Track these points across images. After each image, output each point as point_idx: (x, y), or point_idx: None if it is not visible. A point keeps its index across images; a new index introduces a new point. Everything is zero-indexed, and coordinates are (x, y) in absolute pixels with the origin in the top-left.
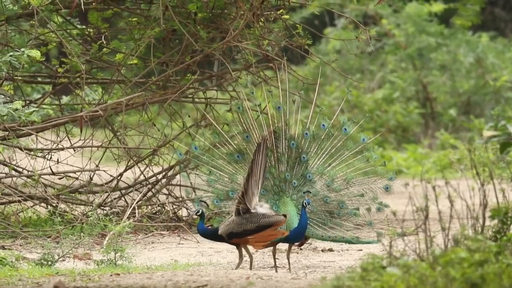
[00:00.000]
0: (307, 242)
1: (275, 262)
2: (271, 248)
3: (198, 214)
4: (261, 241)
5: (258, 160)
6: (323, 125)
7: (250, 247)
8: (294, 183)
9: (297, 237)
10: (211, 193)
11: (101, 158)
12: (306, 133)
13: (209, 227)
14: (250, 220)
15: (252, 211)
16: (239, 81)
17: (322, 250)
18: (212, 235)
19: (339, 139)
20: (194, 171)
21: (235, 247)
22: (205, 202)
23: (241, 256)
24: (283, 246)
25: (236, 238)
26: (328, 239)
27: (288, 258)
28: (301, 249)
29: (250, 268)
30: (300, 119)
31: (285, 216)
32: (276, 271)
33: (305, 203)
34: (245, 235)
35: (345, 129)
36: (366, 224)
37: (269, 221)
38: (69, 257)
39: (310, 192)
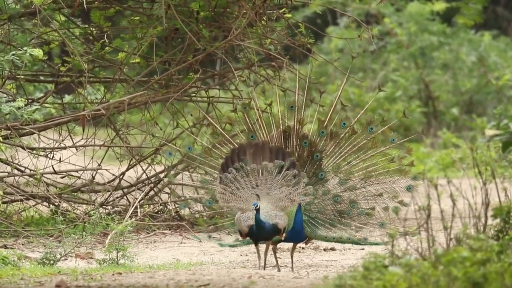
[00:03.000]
0: (310, 242)
1: (276, 261)
2: (272, 247)
3: (257, 207)
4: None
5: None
6: (344, 123)
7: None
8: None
9: (294, 236)
10: (204, 194)
11: (103, 157)
12: (322, 132)
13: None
14: (284, 218)
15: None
16: (246, 81)
17: (324, 249)
18: (268, 227)
19: (363, 137)
20: (186, 171)
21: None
22: (257, 195)
23: (261, 254)
24: (285, 245)
25: (284, 232)
26: (332, 240)
27: (292, 257)
28: (303, 248)
29: (264, 268)
30: (317, 117)
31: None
32: (279, 270)
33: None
34: (285, 229)
35: (371, 128)
36: (378, 225)
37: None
38: (71, 256)
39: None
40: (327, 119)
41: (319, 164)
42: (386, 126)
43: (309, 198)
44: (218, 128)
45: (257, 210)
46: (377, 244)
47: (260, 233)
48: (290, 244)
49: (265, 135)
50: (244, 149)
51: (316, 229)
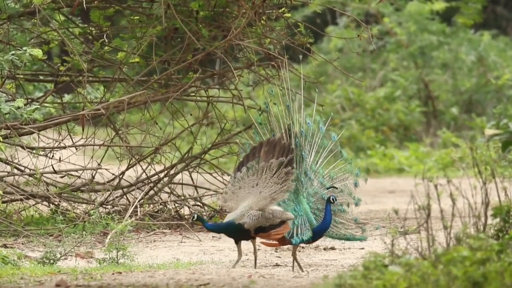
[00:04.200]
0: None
1: (298, 263)
2: (281, 246)
3: (195, 220)
4: (279, 234)
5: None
6: (309, 122)
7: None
8: (302, 181)
9: (320, 233)
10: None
11: (103, 157)
12: (302, 131)
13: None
14: (275, 216)
15: (272, 207)
16: (241, 80)
17: (324, 249)
18: (227, 228)
19: (318, 136)
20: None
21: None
22: (200, 205)
23: (240, 254)
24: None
25: (262, 232)
26: (335, 236)
27: (293, 256)
28: (303, 247)
29: (255, 267)
30: (297, 118)
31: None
32: (302, 271)
33: (332, 199)
34: (270, 229)
35: (321, 127)
36: (351, 220)
37: (287, 216)
38: (71, 255)
39: (337, 188)
40: (302, 118)
41: (305, 163)
42: (326, 124)
43: (287, 195)
44: (256, 127)
45: (198, 218)
46: (360, 239)
47: (224, 233)
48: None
49: (278, 134)
50: (260, 147)
51: None
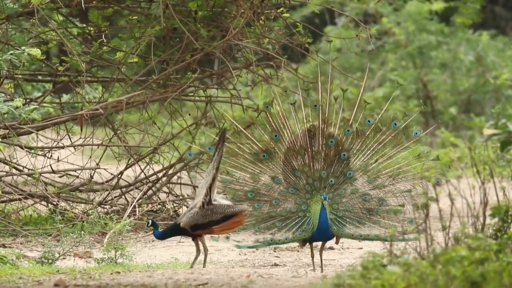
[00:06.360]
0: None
1: (312, 259)
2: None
3: (150, 225)
4: (226, 230)
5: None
6: (369, 121)
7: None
8: (331, 181)
9: (321, 235)
10: (224, 194)
11: (102, 157)
12: (348, 130)
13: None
14: (215, 211)
15: (214, 203)
16: (239, 80)
17: None
18: (172, 231)
19: (387, 134)
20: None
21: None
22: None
23: (198, 250)
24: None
25: (201, 229)
26: (359, 237)
27: (321, 256)
28: (302, 247)
29: (204, 266)
30: (343, 116)
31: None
32: (314, 271)
33: (322, 198)
34: (210, 225)
35: (395, 124)
36: (408, 221)
37: (233, 210)
38: (69, 255)
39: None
40: (352, 117)
41: (347, 163)
42: (409, 120)
43: (205, 191)
44: (240, 127)
45: (152, 224)
46: (404, 241)
47: (173, 236)
48: (294, 244)
49: (289, 134)
50: (219, 138)
51: (344, 228)
